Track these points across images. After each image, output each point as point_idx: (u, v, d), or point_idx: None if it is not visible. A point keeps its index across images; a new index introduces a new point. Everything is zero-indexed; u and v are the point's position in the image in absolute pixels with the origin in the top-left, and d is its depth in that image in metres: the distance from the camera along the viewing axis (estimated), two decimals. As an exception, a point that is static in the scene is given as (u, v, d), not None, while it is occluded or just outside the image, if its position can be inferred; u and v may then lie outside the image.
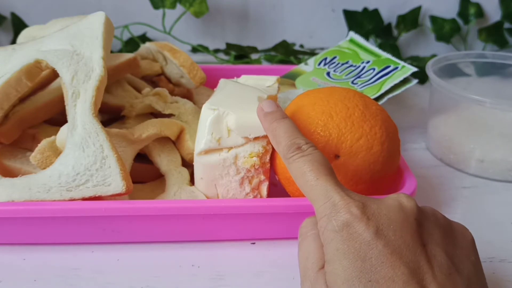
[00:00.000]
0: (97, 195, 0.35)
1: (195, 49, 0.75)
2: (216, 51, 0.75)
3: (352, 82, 0.52)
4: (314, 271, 0.27)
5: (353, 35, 0.58)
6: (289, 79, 0.56)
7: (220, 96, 0.38)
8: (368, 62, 0.55)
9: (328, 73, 0.55)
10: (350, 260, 0.24)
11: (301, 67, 0.57)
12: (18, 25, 0.73)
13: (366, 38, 0.57)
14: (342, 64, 0.55)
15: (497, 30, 0.76)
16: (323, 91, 0.38)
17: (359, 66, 0.55)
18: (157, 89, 0.46)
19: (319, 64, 0.57)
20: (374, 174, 0.36)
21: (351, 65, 0.54)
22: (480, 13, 0.75)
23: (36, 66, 0.40)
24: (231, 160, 0.36)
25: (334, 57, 0.57)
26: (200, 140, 0.36)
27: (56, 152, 0.37)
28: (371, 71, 0.53)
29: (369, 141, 0.35)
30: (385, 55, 0.55)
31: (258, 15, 0.77)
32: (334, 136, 0.35)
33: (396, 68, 0.52)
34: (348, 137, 0.35)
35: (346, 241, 0.25)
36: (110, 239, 0.37)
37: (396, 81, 0.50)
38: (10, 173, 0.40)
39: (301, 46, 0.77)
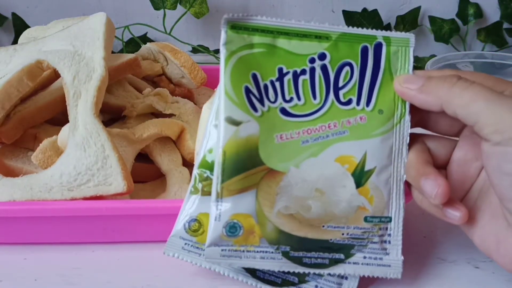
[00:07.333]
0: (98, 195, 0.35)
1: (195, 50, 0.75)
2: (217, 51, 0.75)
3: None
4: None
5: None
6: None
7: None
8: (323, 56, 0.32)
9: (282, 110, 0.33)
10: None
11: None
12: (19, 25, 0.73)
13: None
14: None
15: (496, 30, 0.76)
16: None
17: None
18: (158, 89, 0.46)
19: None
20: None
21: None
22: (479, 13, 0.75)
23: (37, 66, 0.40)
24: (231, 160, 0.36)
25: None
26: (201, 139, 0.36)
27: (58, 152, 0.37)
28: (346, 68, 0.32)
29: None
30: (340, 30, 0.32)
31: (258, 16, 0.77)
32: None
33: (380, 45, 0.32)
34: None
35: None
36: (111, 239, 0.38)
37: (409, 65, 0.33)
38: (12, 173, 0.40)
39: (301, 46, 0.77)
